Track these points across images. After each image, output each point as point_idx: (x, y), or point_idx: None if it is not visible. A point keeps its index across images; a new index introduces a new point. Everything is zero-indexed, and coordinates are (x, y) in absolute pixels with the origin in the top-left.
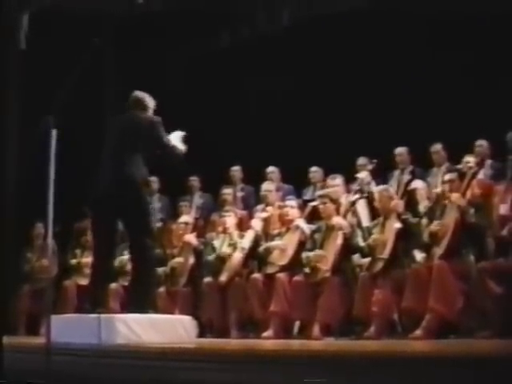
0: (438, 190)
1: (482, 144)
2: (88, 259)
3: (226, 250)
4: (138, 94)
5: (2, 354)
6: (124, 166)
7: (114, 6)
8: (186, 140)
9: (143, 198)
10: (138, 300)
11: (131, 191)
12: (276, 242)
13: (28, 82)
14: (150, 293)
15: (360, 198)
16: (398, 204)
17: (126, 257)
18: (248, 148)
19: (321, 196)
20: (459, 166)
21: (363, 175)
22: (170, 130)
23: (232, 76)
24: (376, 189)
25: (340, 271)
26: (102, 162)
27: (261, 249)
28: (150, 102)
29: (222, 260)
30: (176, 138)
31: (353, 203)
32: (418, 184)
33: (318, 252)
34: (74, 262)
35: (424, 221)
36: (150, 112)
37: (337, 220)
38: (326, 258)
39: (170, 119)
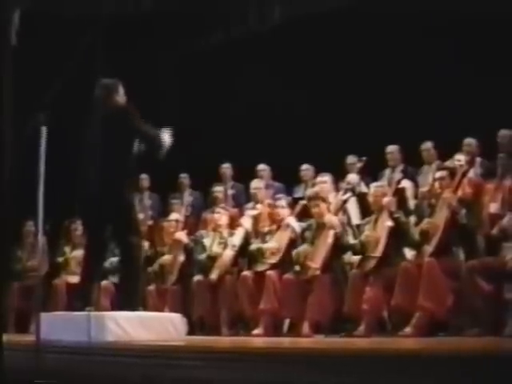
0: (425, 188)
1: (470, 143)
2: (75, 254)
3: (216, 249)
4: (105, 81)
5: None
6: (107, 164)
7: (104, 6)
8: (172, 135)
9: (128, 197)
10: (128, 298)
11: (115, 191)
12: (269, 245)
13: (18, 80)
14: (138, 291)
15: (350, 197)
16: (390, 202)
17: (116, 258)
18: (238, 145)
19: (311, 198)
20: (448, 164)
21: (351, 178)
22: (162, 127)
23: (222, 74)
24: (371, 185)
25: (330, 269)
26: (87, 160)
27: (253, 248)
28: (118, 87)
29: (213, 259)
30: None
31: (344, 202)
32: (404, 183)
33: (306, 246)
34: (61, 259)
35: (412, 219)
36: (121, 97)
37: (329, 218)
38: (315, 253)
39: (161, 117)
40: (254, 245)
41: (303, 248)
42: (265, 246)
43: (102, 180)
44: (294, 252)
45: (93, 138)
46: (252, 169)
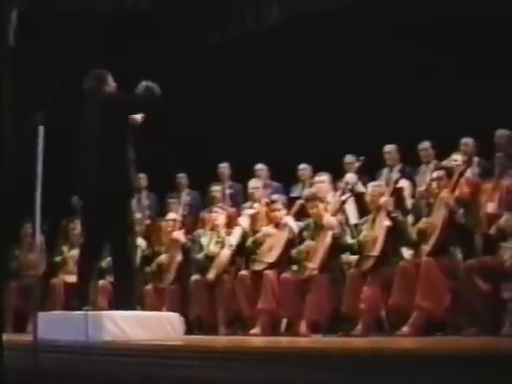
0: (423, 187)
1: (467, 142)
2: (73, 253)
3: (213, 247)
4: (94, 72)
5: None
6: (104, 162)
7: (102, 5)
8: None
9: (124, 196)
10: (124, 298)
11: (109, 188)
12: (264, 231)
13: (15, 79)
14: (135, 290)
15: (350, 197)
16: (388, 201)
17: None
18: (236, 145)
19: (309, 199)
20: (445, 163)
21: (349, 178)
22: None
23: (220, 73)
24: (369, 184)
25: (328, 269)
26: (85, 156)
27: (249, 243)
28: (107, 76)
29: (211, 258)
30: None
31: (343, 202)
32: (402, 183)
33: (308, 242)
34: (58, 258)
35: (410, 218)
36: (110, 86)
37: (327, 219)
38: (315, 250)
39: (158, 117)
40: (250, 239)
41: (305, 244)
42: (260, 234)
43: (99, 177)
44: (295, 250)
45: (88, 133)
46: (250, 168)
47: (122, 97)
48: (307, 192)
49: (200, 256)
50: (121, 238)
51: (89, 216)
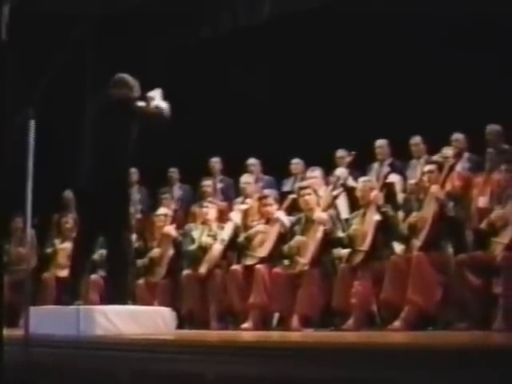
0: (413, 181)
1: (458, 138)
2: (64, 246)
3: (205, 239)
4: (119, 75)
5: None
6: (102, 156)
7: (95, 1)
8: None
9: (121, 190)
10: (117, 292)
11: (108, 182)
12: (257, 228)
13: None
14: (128, 285)
15: (341, 192)
16: (378, 196)
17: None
18: (228, 139)
19: (303, 188)
20: (436, 158)
21: (340, 172)
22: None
23: (212, 68)
24: (359, 179)
25: (319, 264)
26: (83, 149)
27: (241, 239)
28: (132, 82)
29: (203, 250)
30: (156, 96)
31: (335, 197)
32: (393, 177)
33: (298, 238)
34: (49, 250)
35: (401, 213)
36: (134, 91)
37: (318, 215)
38: (306, 245)
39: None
40: (242, 235)
41: (295, 240)
42: (252, 230)
43: (98, 171)
44: (286, 246)
45: (88, 127)
46: (242, 163)
47: (135, 104)
48: (303, 183)
49: (192, 247)
50: (116, 232)
51: (84, 210)
